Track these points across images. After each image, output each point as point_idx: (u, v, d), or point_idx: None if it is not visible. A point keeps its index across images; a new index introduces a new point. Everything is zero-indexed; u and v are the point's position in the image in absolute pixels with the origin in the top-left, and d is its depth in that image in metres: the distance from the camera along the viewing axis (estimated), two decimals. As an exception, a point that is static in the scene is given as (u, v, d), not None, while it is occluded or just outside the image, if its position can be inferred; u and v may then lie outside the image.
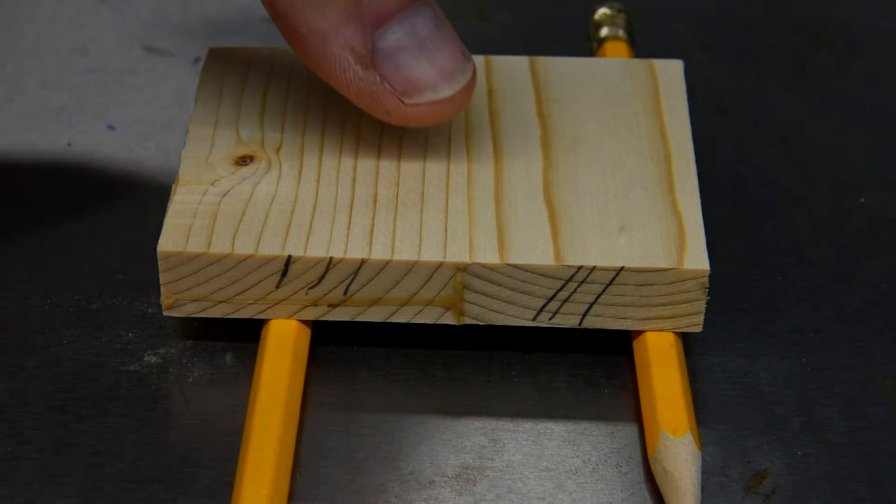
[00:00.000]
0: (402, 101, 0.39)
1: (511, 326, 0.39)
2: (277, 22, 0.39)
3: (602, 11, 0.49)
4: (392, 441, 0.37)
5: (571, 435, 0.38)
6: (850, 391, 0.39)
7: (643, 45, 0.50)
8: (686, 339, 0.40)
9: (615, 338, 0.40)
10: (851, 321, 0.41)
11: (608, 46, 0.48)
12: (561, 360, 0.40)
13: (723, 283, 0.42)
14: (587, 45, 0.50)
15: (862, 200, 0.45)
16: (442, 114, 0.39)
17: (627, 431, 0.38)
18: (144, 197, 0.44)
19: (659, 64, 0.44)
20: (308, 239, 0.38)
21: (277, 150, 0.41)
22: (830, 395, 0.39)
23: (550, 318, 0.38)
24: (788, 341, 0.40)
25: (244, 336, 0.40)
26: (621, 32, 0.49)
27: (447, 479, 0.37)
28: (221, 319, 0.39)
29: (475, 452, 0.37)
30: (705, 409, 0.38)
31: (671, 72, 0.44)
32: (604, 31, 0.49)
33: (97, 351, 0.40)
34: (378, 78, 0.38)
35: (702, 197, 0.40)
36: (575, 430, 0.38)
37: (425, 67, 0.39)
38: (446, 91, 0.39)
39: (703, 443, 0.37)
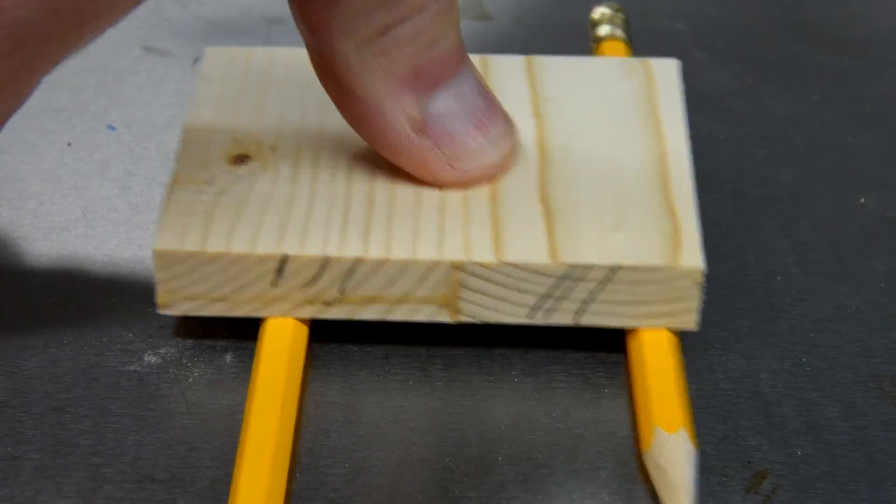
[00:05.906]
0: (451, 166, 0.39)
1: (511, 326, 0.39)
2: (328, 81, 0.39)
3: (600, 11, 0.49)
4: (391, 441, 0.37)
5: (571, 435, 0.38)
6: (851, 391, 0.39)
7: (641, 46, 0.50)
8: (686, 339, 0.40)
9: (615, 338, 0.40)
10: (851, 321, 0.41)
11: (606, 46, 0.48)
12: (561, 360, 0.39)
13: (723, 283, 0.41)
14: (585, 44, 0.50)
15: (862, 200, 0.45)
16: (487, 177, 0.40)
17: (627, 431, 0.38)
18: (144, 197, 0.44)
19: (655, 63, 0.44)
20: (304, 237, 0.38)
21: (274, 150, 0.41)
22: (830, 395, 0.39)
23: (546, 316, 0.38)
24: (788, 341, 0.40)
25: (244, 336, 0.40)
26: (619, 32, 0.48)
27: (447, 479, 0.36)
28: (222, 319, 0.39)
29: (475, 452, 0.37)
30: (705, 409, 0.38)
31: (667, 71, 0.44)
32: (601, 31, 0.49)
33: (97, 351, 0.40)
34: (430, 143, 0.39)
35: (702, 197, 0.40)
36: (574, 430, 0.38)
37: (473, 133, 0.39)
38: (493, 155, 0.40)
39: (702, 443, 0.37)
